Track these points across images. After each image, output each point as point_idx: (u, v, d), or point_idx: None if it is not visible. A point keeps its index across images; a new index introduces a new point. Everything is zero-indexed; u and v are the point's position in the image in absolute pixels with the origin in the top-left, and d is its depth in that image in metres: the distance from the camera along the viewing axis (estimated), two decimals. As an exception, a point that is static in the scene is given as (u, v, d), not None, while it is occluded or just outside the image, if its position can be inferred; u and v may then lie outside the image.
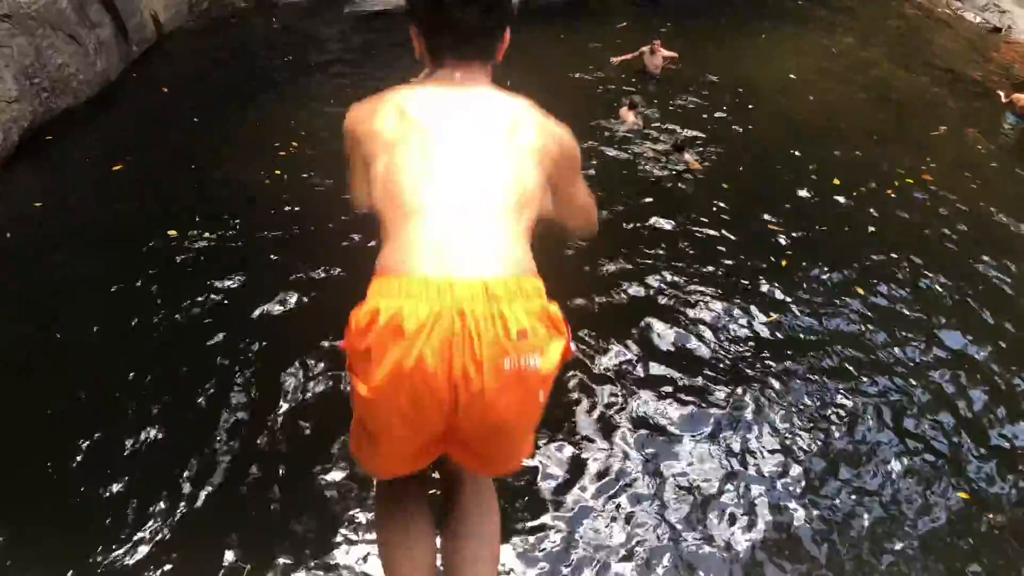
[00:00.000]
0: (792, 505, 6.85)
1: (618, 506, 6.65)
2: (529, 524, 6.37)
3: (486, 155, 2.25)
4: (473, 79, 2.50)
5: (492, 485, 2.66)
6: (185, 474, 6.54)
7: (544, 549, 6.21)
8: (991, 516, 6.91)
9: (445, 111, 2.34)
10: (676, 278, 9.23)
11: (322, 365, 7.64)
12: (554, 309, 2.24)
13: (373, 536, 4.04)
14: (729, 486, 6.97)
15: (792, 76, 14.11)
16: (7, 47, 10.10)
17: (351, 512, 6.27)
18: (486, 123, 2.32)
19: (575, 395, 7.64)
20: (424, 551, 2.47)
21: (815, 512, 6.82)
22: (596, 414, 7.49)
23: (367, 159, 2.44)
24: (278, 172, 10.38)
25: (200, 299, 8.32)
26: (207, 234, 9.21)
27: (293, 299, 8.40)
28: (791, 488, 7.04)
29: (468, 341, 1.95)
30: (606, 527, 6.45)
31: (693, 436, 7.42)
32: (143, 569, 5.77)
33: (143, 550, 5.88)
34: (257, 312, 8.25)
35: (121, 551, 5.87)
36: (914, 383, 8.16)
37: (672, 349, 8.33)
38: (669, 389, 7.84)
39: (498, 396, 2.02)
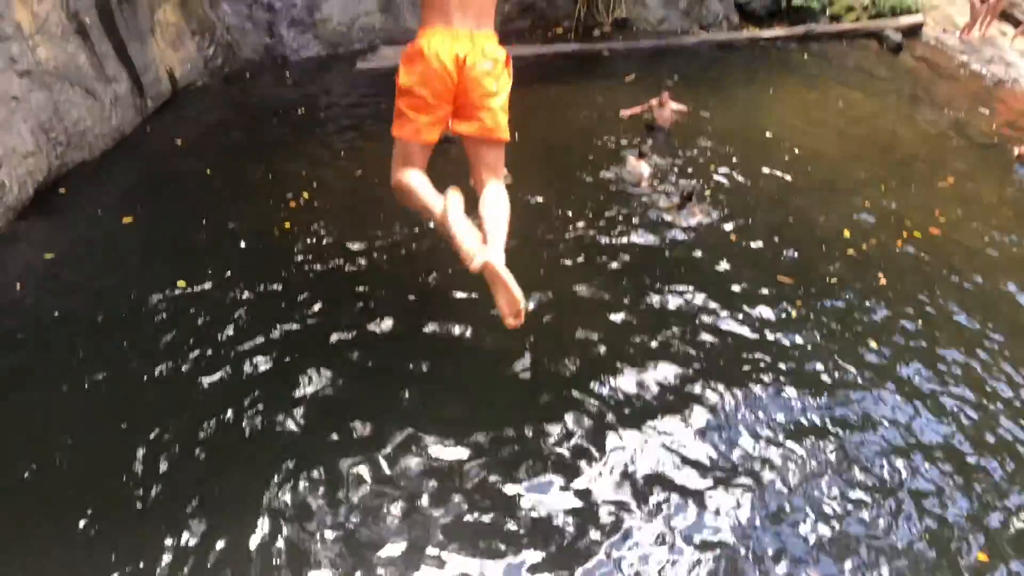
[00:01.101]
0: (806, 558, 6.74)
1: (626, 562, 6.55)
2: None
3: None
4: None
5: (504, 192, 4.68)
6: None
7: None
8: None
9: None
10: (686, 330, 9.21)
11: (319, 416, 7.67)
12: (498, 47, 4.47)
13: None
14: (742, 546, 6.86)
15: (799, 128, 14.19)
16: (25, 102, 10.28)
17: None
18: None
19: (591, 450, 7.59)
20: (423, 177, 4.66)
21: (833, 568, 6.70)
22: (609, 469, 7.44)
23: None
24: (288, 224, 10.46)
25: (206, 350, 8.36)
26: (215, 285, 9.29)
27: (296, 352, 8.43)
28: (804, 543, 6.92)
29: (466, 53, 4.18)
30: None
31: (705, 493, 7.33)
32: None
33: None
34: (262, 363, 8.26)
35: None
36: (929, 439, 8.04)
37: (683, 403, 8.26)
38: (679, 445, 7.78)
39: (482, 75, 4.27)
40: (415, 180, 4.53)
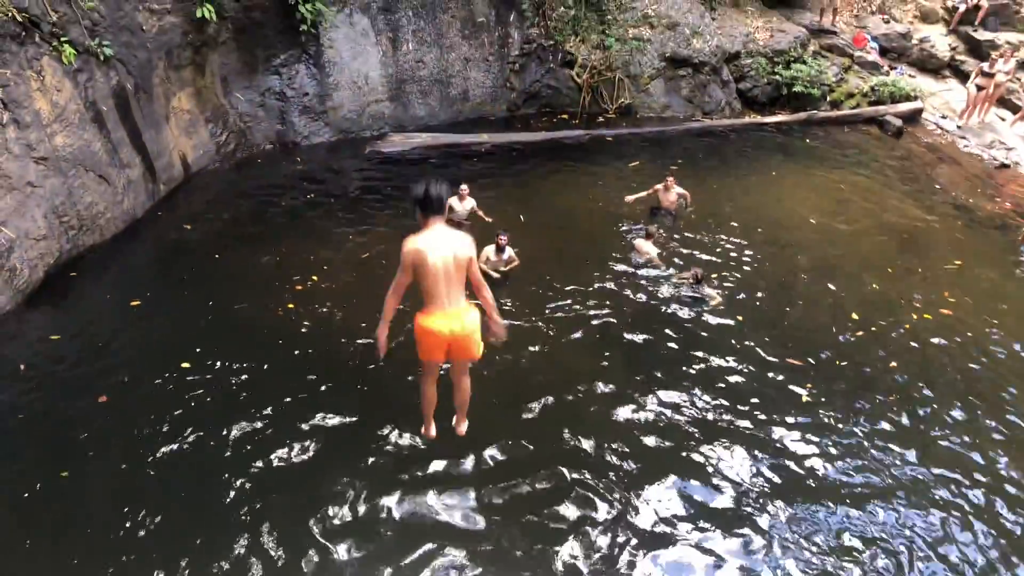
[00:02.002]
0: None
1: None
2: None
3: (453, 263, 6.16)
4: (441, 226, 6.31)
5: (468, 381, 6.88)
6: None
7: None
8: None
9: (436, 243, 6.18)
10: (696, 413, 9.09)
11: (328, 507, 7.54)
12: (475, 313, 6.36)
13: None
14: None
15: (803, 211, 14.30)
16: (40, 188, 10.46)
17: None
18: (453, 245, 6.21)
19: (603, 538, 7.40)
20: (434, 388, 6.93)
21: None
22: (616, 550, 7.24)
23: (415, 267, 6.13)
24: (292, 306, 10.50)
25: (207, 429, 8.31)
26: (219, 367, 9.28)
27: (299, 432, 8.36)
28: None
29: (458, 327, 6.21)
30: None
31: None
32: None
33: None
34: (265, 442, 8.21)
35: None
36: (942, 522, 7.82)
37: (692, 487, 8.09)
38: (688, 527, 7.59)
39: (466, 340, 6.29)
40: (428, 392, 6.99)
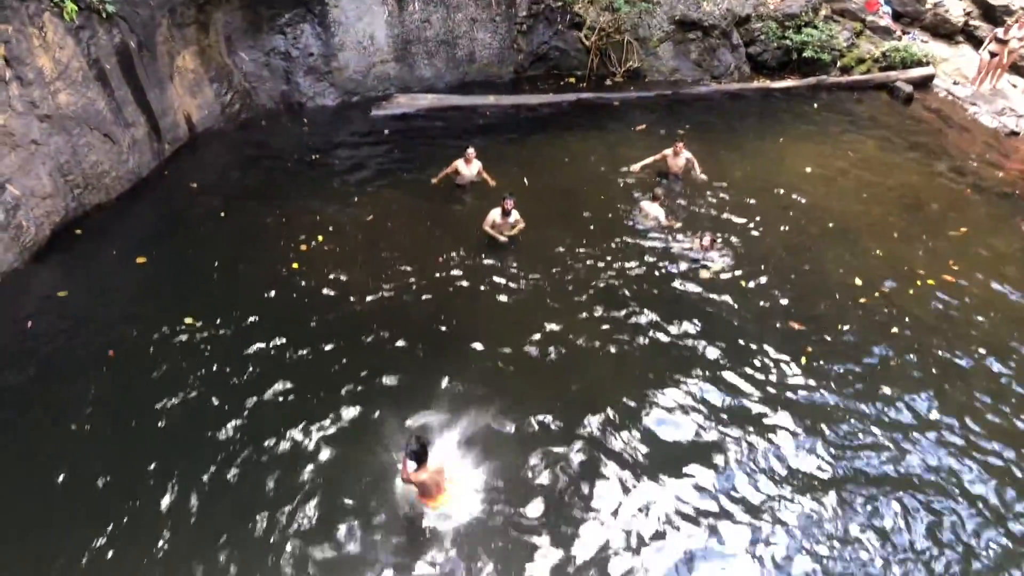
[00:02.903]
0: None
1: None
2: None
3: None
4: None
5: None
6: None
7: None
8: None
9: None
10: (698, 374, 9.17)
11: (321, 450, 7.65)
12: None
13: None
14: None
15: (810, 177, 14.22)
16: (45, 146, 10.47)
17: None
18: None
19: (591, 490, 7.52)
20: None
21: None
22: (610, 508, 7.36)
23: None
24: (296, 266, 10.55)
25: (209, 383, 8.47)
26: (222, 322, 9.39)
27: (294, 385, 8.51)
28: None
29: None
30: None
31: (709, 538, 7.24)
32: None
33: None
34: (264, 394, 8.38)
35: None
36: (941, 489, 7.90)
37: (689, 444, 8.20)
38: (682, 486, 7.71)
39: None
40: None
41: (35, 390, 8.22)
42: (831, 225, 12.58)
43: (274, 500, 7.20)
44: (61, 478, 7.24)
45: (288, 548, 6.81)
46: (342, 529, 7.00)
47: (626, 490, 7.63)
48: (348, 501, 7.24)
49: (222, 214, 11.70)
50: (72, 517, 6.91)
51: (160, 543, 6.74)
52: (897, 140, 16.19)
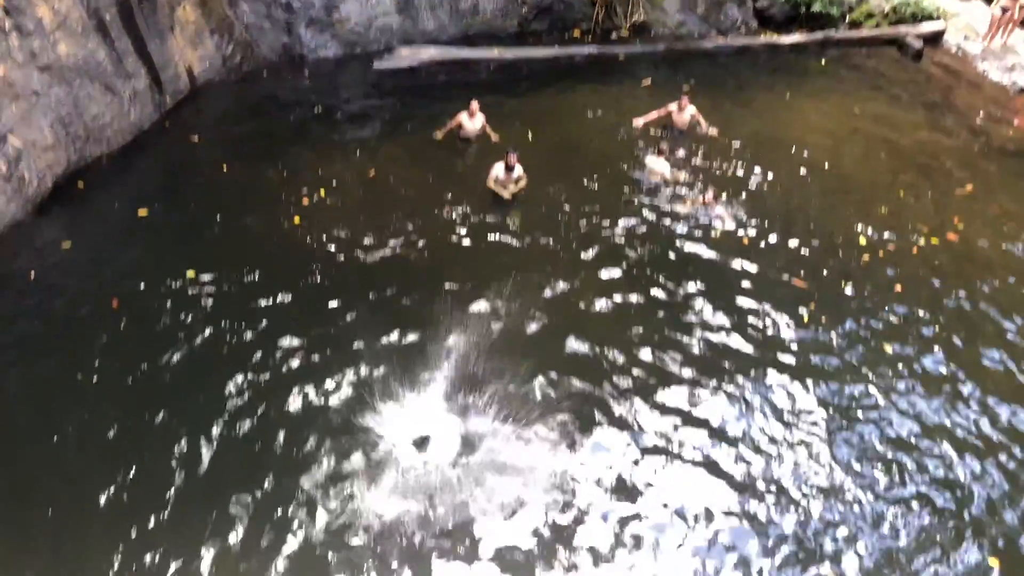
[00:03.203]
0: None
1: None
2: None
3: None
4: None
5: None
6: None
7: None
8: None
9: None
10: (699, 329, 9.23)
11: (319, 397, 7.81)
12: None
13: None
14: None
15: (817, 134, 14.10)
16: (46, 97, 10.40)
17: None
18: None
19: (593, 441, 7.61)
20: None
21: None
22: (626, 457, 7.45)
23: None
24: (297, 220, 10.55)
25: (210, 335, 8.55)
26: (224, 275, 9.44)
27: (294, 339, 8.58)
28: (816, 541, 6.89)
29: None
30: None
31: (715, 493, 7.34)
32: None
33: None
34: (258, 348, 8.45)
35: None
36: (941, 445, 7.98)
37: (690, 399, 8.27)
38: (685, 433, 7.80)
39: None
40: None
41: (40, 340, 8.30)
42: (836, 182, 12.52)
43: (277, 451, 7.31)
44: (70, 428, 7.34)
45: (293, 498, 6.92)
46: (345, 481, 7.11)
47: (625, 444, 7.72)
48: (352, 454, 7.34)
49: (224, 167, 11.66)
50: (81, 466, 7.03)
51: (169, 492, 6.86)
52: (905, 97, 16.02)
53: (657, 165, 12.23)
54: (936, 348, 9.20)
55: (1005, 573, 6.81)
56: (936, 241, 11.11)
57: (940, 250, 10.93)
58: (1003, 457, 7.85)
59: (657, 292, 9.80)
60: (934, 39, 18.74)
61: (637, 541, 6.87)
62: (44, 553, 6.31)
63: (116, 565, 6.27)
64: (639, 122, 13.62)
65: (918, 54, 18.11)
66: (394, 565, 6.47)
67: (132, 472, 6.98)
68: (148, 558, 6.33)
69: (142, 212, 10.45)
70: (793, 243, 10.95)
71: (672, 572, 6.65)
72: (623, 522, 7.01)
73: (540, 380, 8.31)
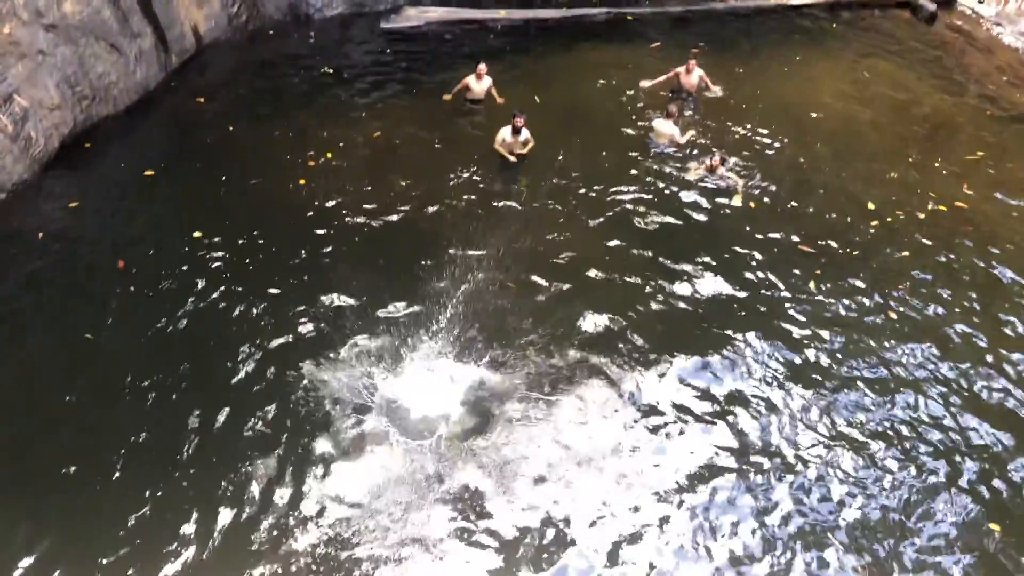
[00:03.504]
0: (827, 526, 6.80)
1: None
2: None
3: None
4: None
5: None
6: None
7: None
8: None
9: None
10: (706, 295, 9.26)
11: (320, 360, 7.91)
12: None
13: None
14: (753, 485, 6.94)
15: (827, 98, 13.97)
16: (51, 56, 10.34)
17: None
18: None
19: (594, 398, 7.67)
20: None
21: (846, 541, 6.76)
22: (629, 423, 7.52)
23: None
24: (303, 181, 10.55)
25: (217, 297, 8.59)
26: (230, 237, 9.47)
27: (299, 301, 8.64)
28: (819, 505, 6.97)
29: None
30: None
31: (718, 454, 7.40)
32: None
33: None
34: (266, 310, 8.51)
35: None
36: (945, 411, 8.02)
37: (698, 364, 8.32)
38: (691, 400, 7.86)
39: None
40: None
41: (48, 301, 8.35)
42: (845, 147, 12.45)
43: (283, 412, 7.37)
44: (78, 388, 7.40)
45: (301, 461, 6.99)
46: (349, 443, 7.18)
47: (629, 408, 7.78)
48: (356, 417, 7.40)
49: (230, 128, 11.63)
50: (90, 424, 7.10)
51: (179, 453, 6.92)
52: (917, 60, 15.84)
53: (665, 128, 12.17)
54: (942, 314, 9.21)
55: (1005, 537, 6.88)
56: (944, 208, 11.06)
57: (948, 217, 10.90)
58: (1009, 422, 7.90)
59: (664, 258, 9.80)
60: (947, 1, 18.46)
61: (637, 507, 6.96)
62: (54, 512, 6.39)
63: (130, 523, 6.36)
64: (646, 84, 13.51)
65: (931, 17, 17.85)
66: (401, 532, 6.57)
67: (141, 432, 7.04)
68: (161, 516, 6.42)
69: (148, 173, 10.44)
70: (801, 208, 10.92)
71: (674, 536, 6.73)
72: (628, 486, 7.09)
73: (545, 345, 8.35)
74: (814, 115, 13.30)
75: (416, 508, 6.68)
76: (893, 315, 9.17)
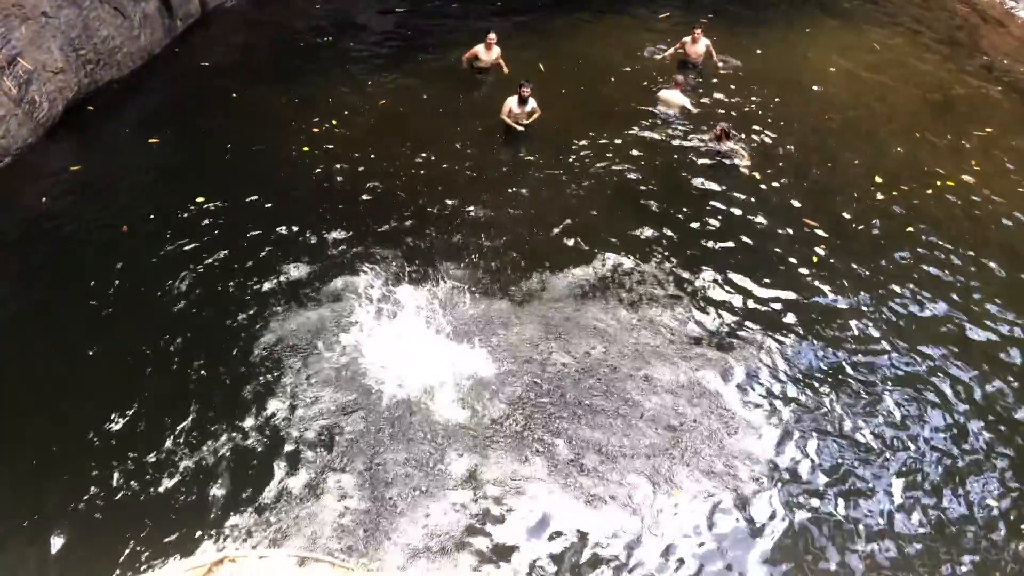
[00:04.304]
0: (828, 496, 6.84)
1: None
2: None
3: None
4: None
5: None
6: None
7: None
8: None
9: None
10: (708, 266, 9.22)
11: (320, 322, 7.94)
12: None
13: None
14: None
15: (836, 71, 13.85)
16: (55, 19, 10.29)
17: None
18: None
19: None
20: None
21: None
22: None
23: None
24: (307, 149, 10.53)
25: (220, 262, 8.61)
26: (234, 202, 9.46)
27: (301, 267, 8.65)
28: (818, 481, 7.00)
29: None
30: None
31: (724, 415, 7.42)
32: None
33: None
34: (268, 275, 8.52)
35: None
36: (947, 387, 8.01)
37: (696, 338, 8.31)
38: (687, 381, 7.87)
39: None
40: None
41: (53, 265, 8.37)
42: (854, 121, 12.35)
43: (284, 377, 7.39)
44: (81, 352, 7.42)
45: (302, 426, 7.02)
46: (350, 406, 7.21)
47: (630, 377, 7.77)
48: (357, 382, 7.42)
49: (234, 94, 11.59)
50: (92, 387, 7.14)
51: (181, 417, 6.96)
52: (928, 34, 15.67)
53: (672, 97, 12.10)
54: (948, 290, 9.17)
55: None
56: (952, 183, 10.99)
57: (955, 192, 10.83)
58: (1010, 400, 7.90)
59: (668, 229, 9.76)
60: (962, -26, 18.20)
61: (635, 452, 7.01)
62: (56, 469, 6.44)
63: (131, 483, 6.41)
64: (652, 53, 13.43)
65: (945, -10, 17.62)
66: (401, 490, 6.62)
67: (145, 395, 7.08)
68: (163, 476, 6.48)
69: (152, 140, 10.42)
70: (806, 180, 10.86)
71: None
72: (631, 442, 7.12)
73: (546, 315, 8.35)
74: (823, 87, 13.18)
75: (410, 474, 6.74)
76: (897, 288, 9.13)
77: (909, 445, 7.36)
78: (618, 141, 11.31)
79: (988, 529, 6.67)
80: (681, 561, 6.22)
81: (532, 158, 10.81)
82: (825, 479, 6.99)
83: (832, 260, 9.48)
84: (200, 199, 9.38)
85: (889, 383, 7.98)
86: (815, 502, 6.77)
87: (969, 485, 7.04)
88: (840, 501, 6.80)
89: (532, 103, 11.38)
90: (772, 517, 6.61)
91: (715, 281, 9.06)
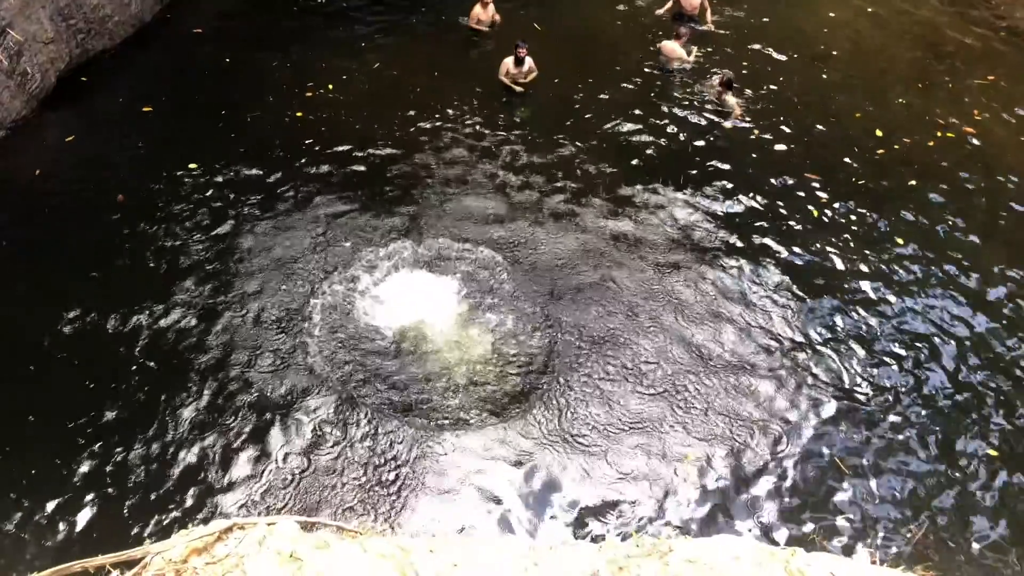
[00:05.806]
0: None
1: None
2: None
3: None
4: None
5: None
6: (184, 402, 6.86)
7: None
8: None
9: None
10: (710, 220, 9.20)
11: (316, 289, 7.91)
12: None
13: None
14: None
15: (837, 22, 13.65)
16: (44, -13, 10.17)
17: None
18: None
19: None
20: None
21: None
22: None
23: None
24: (301, 114, 10.47)
25: (215, 229, 8.61)
26: (227, 168, 9.45)
27: (295, 233, 8.64)
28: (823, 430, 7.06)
29: None
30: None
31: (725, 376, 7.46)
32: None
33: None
34: (264, 242, 8.54)
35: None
36: (948, 343, 8.00)
37: (697, 292, 8.31)
38: (688, 341, 7.88)
39: None
40: None
41: (48, 237, 8.36)
42: (853, 71, 12.22)
43: (282, 338, 7.45)
44: (80, 323, 7.46)
45: (298, 380, 7.08)
46: (346, 359, 7.27)
47: (628, 344, 7.78)
48: (351, 342, 7.47)
49: (227, 60, 11.48)
50: (90, 356, 7.18)
51: (183, 384, 7.00)
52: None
53: (673, 49, 12.02)
54: (949, 244, 9.12)
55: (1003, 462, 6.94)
56: (953, 135, 10.88)
57: (957, 143, 10.73)
58: (1011, 356, 7.90)
59: (667, 187, 9.71)
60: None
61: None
62: (58, 444, 6.50)
63: (136, 453, 6.48)
64: (658, 12, 13.35)
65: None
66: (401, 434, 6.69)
67: (149, 364, 7.14)
68: (163, 436, 6.55)
69: (146, 108, 10.36)
70: (806, 134, 10.77)
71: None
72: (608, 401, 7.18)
73: (545, 277, 8.34)
74: (823, 39, 13.02)
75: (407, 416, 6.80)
76: (900, 240, 9.09)
77: (917, 401, 7.39)
78: (616, 96, 11.24)
79: (990, 476, 6.75)
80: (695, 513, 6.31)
81: (531, 117, 10.74)
82: (833, 430, 7.05)
83: (832, 213, 9.44)
84: (193, 166, 9.36)
85: (890, 338, 7.98)
86: (823, 458, 6.83)
87: (969, 438, 7.11)
88: (864, 460, 6.86)
89: (529, 63, 11.26)
90: (779, 473, 6.67)
91: (714, 233, 9.05)
